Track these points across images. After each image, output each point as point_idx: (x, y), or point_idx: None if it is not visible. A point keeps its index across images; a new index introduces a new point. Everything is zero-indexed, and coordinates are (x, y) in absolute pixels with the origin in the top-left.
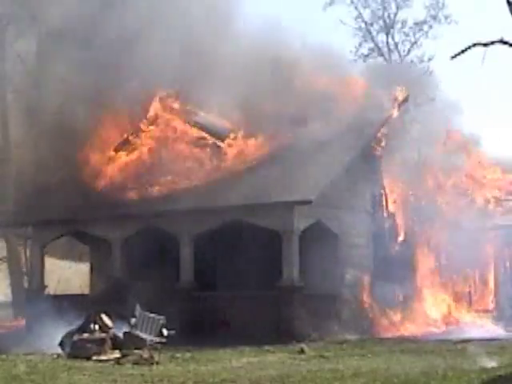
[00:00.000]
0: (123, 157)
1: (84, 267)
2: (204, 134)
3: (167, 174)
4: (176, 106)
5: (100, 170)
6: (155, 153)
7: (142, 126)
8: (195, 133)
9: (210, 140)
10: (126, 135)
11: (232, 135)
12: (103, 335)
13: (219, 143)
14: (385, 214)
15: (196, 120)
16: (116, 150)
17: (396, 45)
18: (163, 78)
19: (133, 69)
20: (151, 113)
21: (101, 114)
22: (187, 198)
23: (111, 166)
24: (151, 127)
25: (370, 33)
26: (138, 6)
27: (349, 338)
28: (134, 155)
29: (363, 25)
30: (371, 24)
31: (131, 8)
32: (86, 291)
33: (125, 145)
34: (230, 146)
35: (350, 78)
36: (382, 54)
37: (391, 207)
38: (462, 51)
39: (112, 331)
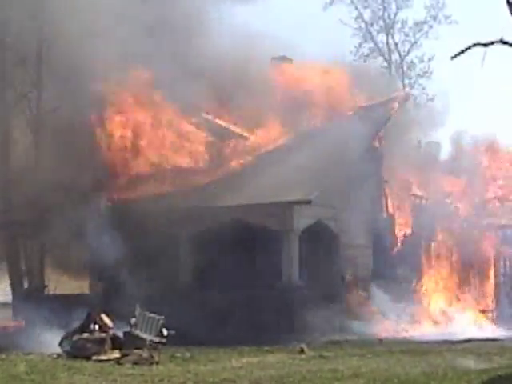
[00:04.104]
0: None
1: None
2: (205, 134)
3: (168, 173)
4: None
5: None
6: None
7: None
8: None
9: (211, 139)
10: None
11: (232, 135)
12: (103, 335)
13: (220, 143)
14: (385, 214)
15: (197, 120)
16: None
17: (396, 45)
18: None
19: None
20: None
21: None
22: (187, 197)
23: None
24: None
25: (370, 33)
26: None
27: (349, 338)
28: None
29: (363, 25)
30: (371, 24)
31: None
32: (86, 291)
33: None
34: (230, 145)
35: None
36: (382, 55)
37: (391, 207)
38: (462, 51)
39: (112, 331)
